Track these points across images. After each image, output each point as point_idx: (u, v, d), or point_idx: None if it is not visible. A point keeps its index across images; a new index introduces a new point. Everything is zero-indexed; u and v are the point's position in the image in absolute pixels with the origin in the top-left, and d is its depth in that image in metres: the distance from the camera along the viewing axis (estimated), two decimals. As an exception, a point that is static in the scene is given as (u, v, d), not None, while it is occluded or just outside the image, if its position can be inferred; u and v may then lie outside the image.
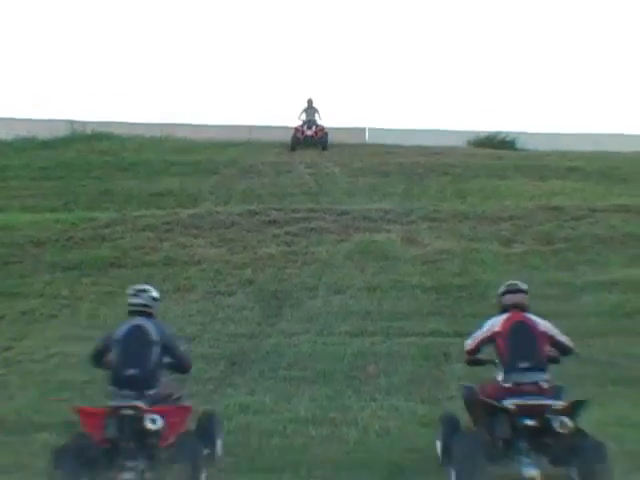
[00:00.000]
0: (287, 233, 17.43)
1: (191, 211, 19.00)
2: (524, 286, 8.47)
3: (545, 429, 7.42)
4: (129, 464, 7.33)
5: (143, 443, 7.38)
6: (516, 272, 15.16)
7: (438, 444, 8.28)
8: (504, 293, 8.40)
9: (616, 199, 19.63)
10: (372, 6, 60.14)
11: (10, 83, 54.90)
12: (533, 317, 8.26)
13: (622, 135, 33.44)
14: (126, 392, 7.62)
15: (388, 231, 17.38)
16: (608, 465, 7.33)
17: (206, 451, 7.75)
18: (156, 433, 7.35)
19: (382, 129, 33.54)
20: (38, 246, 16.88)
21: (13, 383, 10.84)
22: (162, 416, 7.38)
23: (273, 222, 18.05)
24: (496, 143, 31.83)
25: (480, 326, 8.41)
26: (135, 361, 7.76)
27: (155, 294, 8.49)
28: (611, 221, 17.71)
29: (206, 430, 8.11)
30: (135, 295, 8.34)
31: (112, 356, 7.92)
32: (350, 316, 13.38)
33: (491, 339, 8.13)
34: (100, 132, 29.76)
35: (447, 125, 35.40)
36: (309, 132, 27.79)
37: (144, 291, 8.43)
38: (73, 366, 11.38)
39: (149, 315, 8.19)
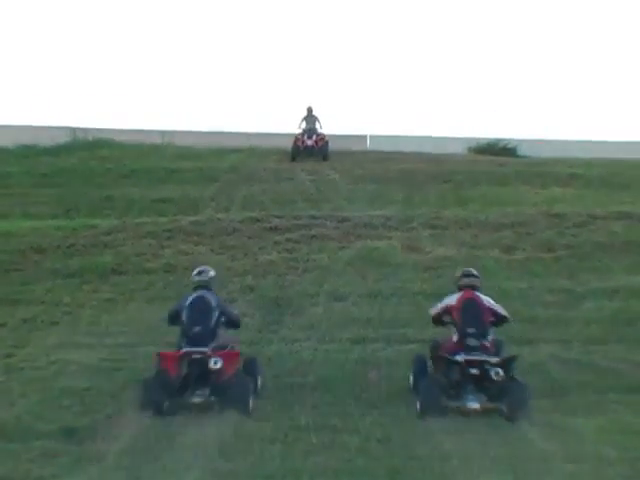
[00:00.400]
0: (288, 240, 17.43)
1: (192, 218, 19.00)
2: (476, 272, 11.19)
3: (484, 376, 10.15)
4: (198, 392, 10.10)
5: (207, 377, 10.07)
6: (517, 279, 15.21)
7: (411, 378, 10.89)
8: (461, 277, 11.12)
9: (617, 206, 19.62)
10: (373, 13, 60.21)
11: (12, 90, 54.96)
12: (480, 295, 10.89)
13: (623, 142, 33.45)
14: (193, 342, 10.37)
15: (389, 238, 17.38)
16: (526, 402, 9.93)
17: (251, 384, 10.30)
18: (217, 371, 10.01)
19: (383, 136, 33.55)
20: (39, 253, 16.88)
21: (14, 390, 10.82)
22: (221, 359, 10.06)
23: (274, 229, 18.06)
24: (497, 150, 31.84)
25: (441, 299, 11.08)
26: (199, 321, 10.53)
27: (212, 273, 11.21)
28: (612, 228, 17.72)
29: (250, 369, 10.66)
30: (198, 274, 11.15)
31: (182, 317, 10.65)
32: (351, 323, 13.38)
33: (449, 310, 10.81)
34: (101, 139, 29.78)
35: (448, 132, 35.28)
36: (309, 142, 27.14)
37: (205, 271, 11.20)
38: (74, 373, 11.38)
39: (208, 289, 10.98)
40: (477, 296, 10.81)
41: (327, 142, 27.14)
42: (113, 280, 15.60)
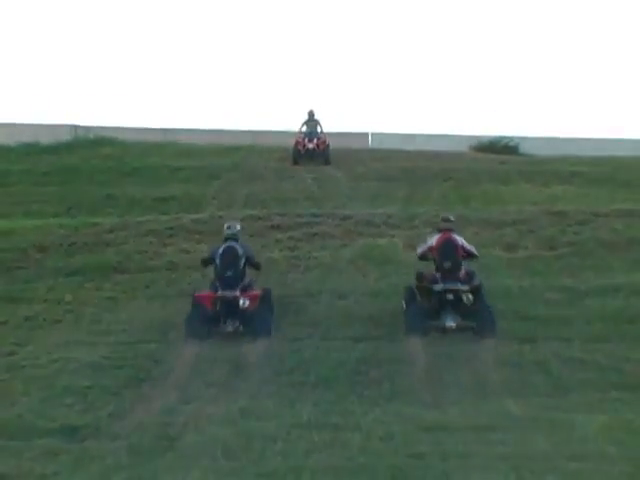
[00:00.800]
0: (290, 238, 17.44)
1: (194, 216, 19.01)
2: (452, 218, 13.96)
3: (459, 301, 12.86)
4: (229, 322, 12.94)
5: (236, 312, 12.87)
6: (520, 277, 15.20)
7: (403, 304, 13.36)
8: (440, 221, 13.92)
9: (619, 204, 19.60)
10: (374, 11, 60.19)
11: (13, 88, 54.98)
12: (456, 236, 13.60)
13: (625, 140, 33.45)
14: (225, 285, 13.03)
15: (391, 236, 17.38)
16: (493, 322, 12.67)
17: (270, 312, 13.22)
18: (245, 308, 12.83)
19: (385, 134, 33.59)
20: (41, 251, 16.90)
21: (16, 388, 10.82)
22: (249, 299, 12.91)
23: (276, 227, 18.06)
24: (499, 148, 31.84)
25: (425, 240, 13.96)
26: (230, 267, 13.19)
27: (239, 227, 13.96)
28: (614, 226, 17.70)
29: (267, 298, 13.33)
30: (228, 228, 13.73)
31: (216, 263, 13.33)
32: (353, 321, 13.38)
33: (431, 249, 13.50)
34: (103, 137, 29.80)
35: (450, 130, 35.27)
36: (310, 145, 26.38)
37: (232, 226, 13.83)
38: (76, 371, 11.38)
39: (236, 240, 13.58)
40: (453, 237, 13.54)
41: (328, 145, 26.54)
42: (115, 278, 15.61)
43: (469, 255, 13.59)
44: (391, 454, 8.65)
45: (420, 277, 13.40)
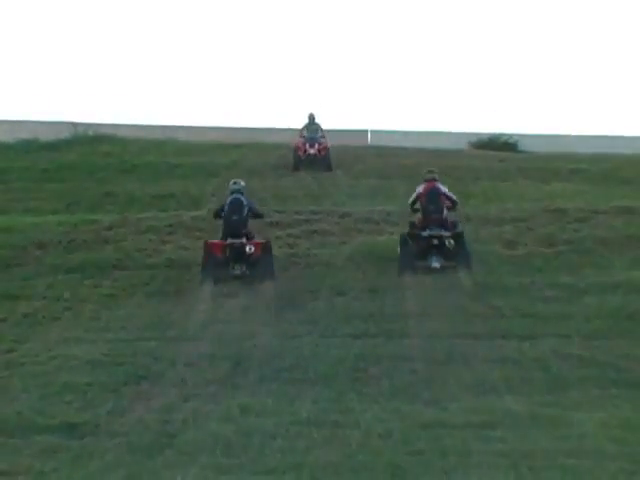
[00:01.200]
0: (289, 235, 17.46)
1: (193, 213, 19.02)
2: (436, 170, 16.61)
3: (442, 245, 15.36)
4: (237, 267, 15.19)
5: (243, 257, 15.15)
6: (519, 274, 15.21)
7: (398, 249, 15.54)
8: (425, 173, 16.41)
9: (619, 201, 19.62)
10: (373, 8, 60.16)
11: (13, 85, 54.94)
12: (439, 185, 16.14)
13: (624, 137, 33.46)
14: (233, 232, 15.32)
15: (390, 233, 17.39)
16: (469, 262, 15.29)
17: (271, 258, 15.47)
18: (250, 254, 15.13)
19: (384, 131, 33.59)
20: (40, 248, 16.91)
21: (15, 385, 10.82)
22: (253, 246, 15.19)
23: (275, 224, 18.09)
24: (498, 145, 31.86)
25: (415, 190, 16.19)
26: (236, 213, 15.49)
27: (243, 184, 16.27)
28: (614, 223, 17.72)
29: (268, 248, 15.42)
30: (234, 184, 16.07)
31: (225, 210, 15.64)
32: (352, 318, 13.38)
33: (419, 197, 15.94)
34: (102, 134, 29.80)
35: (449, 127, 35.34)
36: (312, 150, 25.35)
37: (237, 182, 16.19)
38: (75, 368, 11.37)
39: (241, 192, 15.87)
40: (437, 185, 16.06)
41: (329, 150, 25.64)
42: (114, 275, 15.63)
43: (451, 202, 16.05)
44: (390, 451, 8.65)
45: (412, 226, 15.98)
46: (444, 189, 16.04)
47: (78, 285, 15.15)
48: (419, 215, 16.08)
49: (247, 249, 15.09)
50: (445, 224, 15.63)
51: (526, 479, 7.95)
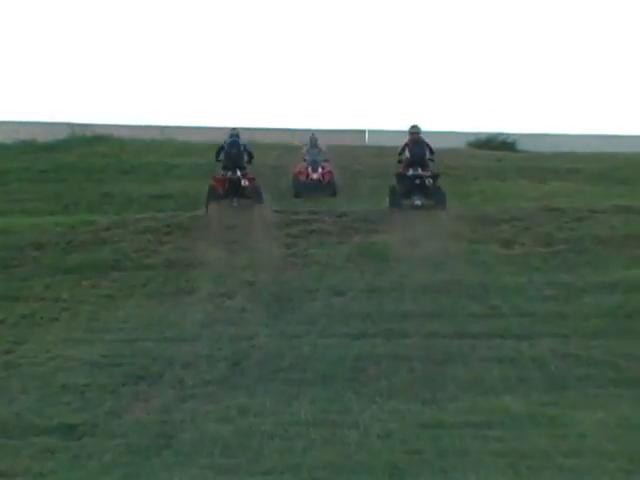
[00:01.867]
0: (287, 235, 17.45)
1: (191, 214, 19.00)
2: (421, 128, 19.82)
3: (423, 184, 18.87)
4: (235, 200, 19.24)
5: (239, 190, 19.28)
6: (517, 273, 15.22)
7: (388, 191, 19.27)
8: (411, 128, 19.73)
9: (616, 200, 19.63)
10: (371, 7, 60.14)
11: (10, 87, 54.87)
12: (422, 138, 19.56)
13: (623, 136, 33.46)
14: (233, 164, 19.54)
15: (388, 232, 17.37)
16: (444, 200, 18.95)
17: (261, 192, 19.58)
18: (245, 187, 19.23)
19: (382, 131, 33.55)
20: (38, 249, 16.90)
21: (14, 386, 10.81)
22: (248, 180, 19.33)
23: (273, 224, 18.05)
24: (496, 145, 31.87)
25: (403, 142, 19.48)
26: (234, 149, 19.62)
27: (239, 131, 20.32)
28: (611, 222, 17.72)
29: (257, 183, 19.71)
30: (233, 129, 20.23)
31: (224, 149, 19.78)
32: (350, 318, 13.37)
33: (406, 144, 19.45)
34: (100, 135, 29.79)
35: (447, 126, 35.28)
36: (315, 175, 22.42)
37: (235, 128, 20.29)
38: (73, 369, 11.37)
39: (238, 137, 19.95)
40: (421, 138, 19.53)
41: (333, 175, 22.96)
42: (112, 276, 15.61)
43: (430, 149, 19.47)
44: (389, 451, 8.64)
45: (399, 173, 19.47)
46: (427, 141, 19.61)
47: (76, 286, 15.14)
48: (404, 164, 19.42)
49: (242, 182, 19.20)
50: (426, 167, 19.18)
51: (525, 479, 7.95)
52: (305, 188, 22.21)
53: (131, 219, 18.61)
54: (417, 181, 18.89)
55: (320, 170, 22.53)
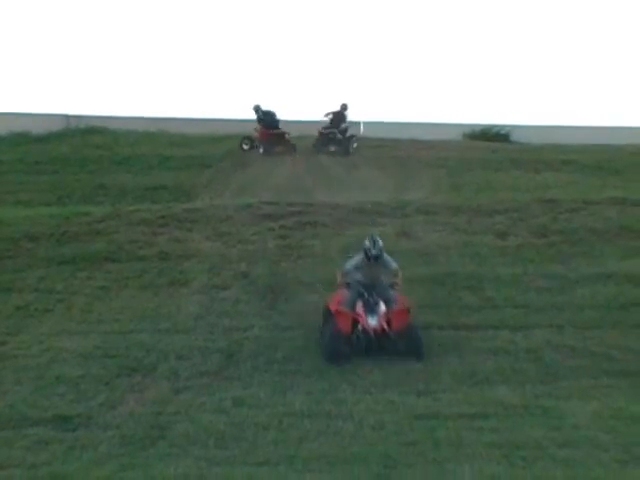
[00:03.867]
0: (282, 227, 17.42)
1: (186, 205, 18.99)
2: (348, 105, 26.83)
3: (335, 137, 26.96)
4: (278, 147, 26.89)
5: (282, 141, 27.15)
6: (511, 265, 15.22)
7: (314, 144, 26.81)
8: (341, 105, 26.84)
9: (611, 191, 19.66)
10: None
11: (4, 78, 54.71)
12: (345, 113, 26.28)
13: (617, 128, 33.44)
14: (275, 124, 27.23)
15: (383, 225, 17.37)
16: (349, 145, 26.90)
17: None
18: (289, 139, 27.25)
19: (377, 122, 33.48)
20: (32, 241, 16.85)
21: (7, 378, 10.79)
22: (288, 133, 27.44)
23: (268, 216, 18.04)
24: (491, 136, 31.86)
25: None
26: (270, 114, 27.33)
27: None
28: (606, 214, 17.74)
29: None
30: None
31: (262, 117, 27.36)
32: (345, 309, 13.33)
33: (329, 119, 27.20)
34: (94, 126, 29.80)
35: (442, 118, 35.22)
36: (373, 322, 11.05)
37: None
38: (67, 361, 11.35)
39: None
40: (344, 113, 24.11)
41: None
42: (106, 268, 15.57)
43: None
44: (383, 442, 8.66)
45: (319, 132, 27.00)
46: (346, 114, 26.56)
47: (70, 277, 15.10)
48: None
49: (285, 135, 26.54)
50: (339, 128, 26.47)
51: (519, 469, 7.98)
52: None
53: (125, 210, 18.58)
54: (331, 135, 26.61)
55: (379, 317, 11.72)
